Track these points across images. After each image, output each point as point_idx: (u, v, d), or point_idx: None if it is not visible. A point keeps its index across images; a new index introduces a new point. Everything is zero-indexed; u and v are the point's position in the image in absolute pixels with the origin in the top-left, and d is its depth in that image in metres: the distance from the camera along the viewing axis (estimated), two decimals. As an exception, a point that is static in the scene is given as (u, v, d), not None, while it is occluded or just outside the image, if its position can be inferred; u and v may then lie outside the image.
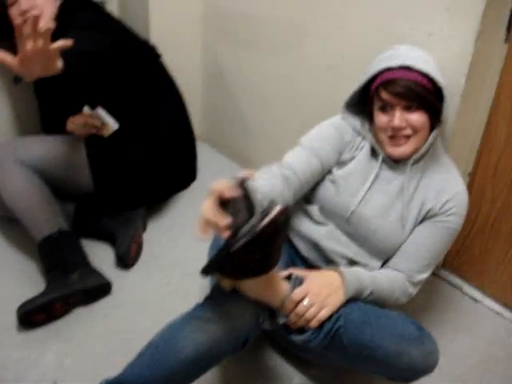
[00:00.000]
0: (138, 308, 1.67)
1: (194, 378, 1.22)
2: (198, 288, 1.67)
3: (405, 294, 1.40)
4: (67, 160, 1.80)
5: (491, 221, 1.69)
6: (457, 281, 1.80)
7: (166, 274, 1.81)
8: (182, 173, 2.12)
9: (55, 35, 1.60)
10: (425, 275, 1.41)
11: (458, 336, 1.63)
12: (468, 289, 1.79)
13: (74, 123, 1.85)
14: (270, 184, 1.29)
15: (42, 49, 1.22)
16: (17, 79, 2.00)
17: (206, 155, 2.41)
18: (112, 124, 1.84)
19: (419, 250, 1.39)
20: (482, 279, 1.78)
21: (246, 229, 1.03)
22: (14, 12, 1.80)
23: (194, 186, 2.16)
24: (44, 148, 1.80)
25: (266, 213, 1.04)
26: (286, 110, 2.05)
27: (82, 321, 1.62)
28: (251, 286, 1.23)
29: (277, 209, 1.03)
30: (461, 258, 1.79)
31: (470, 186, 1.68)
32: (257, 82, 2.16)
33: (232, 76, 2.29)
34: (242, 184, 1.06)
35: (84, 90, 1.85)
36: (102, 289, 1.71)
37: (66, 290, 1.62)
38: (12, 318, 1.57)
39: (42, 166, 1.76)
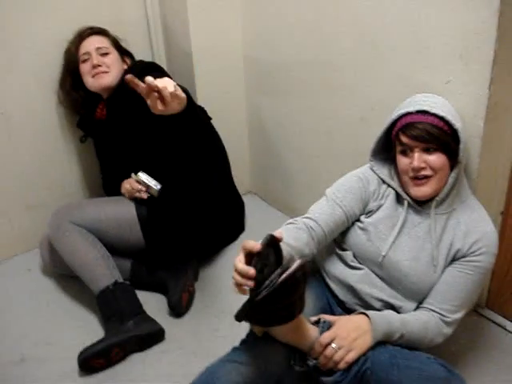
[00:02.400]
0: (189, 353, 1.77)
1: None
2: (245, 333, 1.76)
3: (440, 335, 1.43)
4: (119, 220, 1.96)
5: (528, 258, 1.69)
6: (500, 319, 1.79)
7: (215, 321, 1.90)
8: (231, 226, 2.24)
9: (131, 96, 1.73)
10: (459, 315, 1.44)
11: (501, 374, 1.62)
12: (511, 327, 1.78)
13: (124, 188, 2.05)
14: (296, 237, 1.38)
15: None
16: (83, 138, 2.22)
17: (254, 207, 2.53)
18: (153, 186, 1.98)
19: (451, 290, 1.42)
20: (525, 317, 1.77)
21: (267, 282, 1.13)
22: (85, 68, 2.03)
23: (243, 237, 2.28)
24: (97, 210, 1.97)
25: (285, 267, 1.14)
26: (325, 161, 2.14)
27: (138, 365, 1.74)
28: (280, 332, 1.31)
29: (295, 264, 1.13)
30: (502, 297, 1.79)
31: (504, 225, 1.69)
32: (297, 135, 2.27)
33: (274, 131, 2.41)
34: (271, 241, 1.16)
35: (140, 151, 2.02)
36: (155, 335, 1.81)
37: (123, 336, 1.74)
38: (73, 364, 1.69)
39: (95, 226, 1.93)
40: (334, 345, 1.31)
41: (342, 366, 1.31)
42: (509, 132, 1.56)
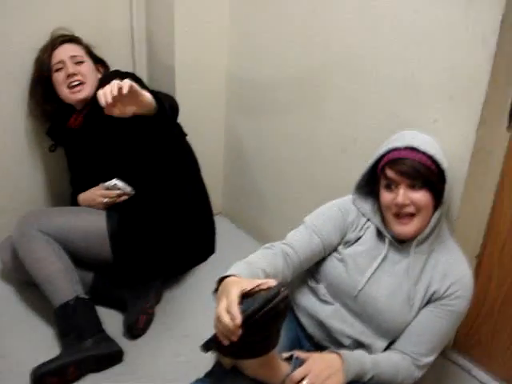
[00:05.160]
0: (148, 377, 1.72)
1: None
2: (208, 360, 1.70)
3: (410, 378, 1.42)
4: (88, 232, 1.90)
5: (498, 304, 1.70)
6: (466, 363, 1.79)
7: (177, 345, 1.85)
8: (201, 246, 2.19)
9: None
10: (431, 358, 1.42)
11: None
12: (476, 372, 1.77)
13: (88, 200, 2.00)
14: (272, 263, 1.35)
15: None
16: (52, 147, 2.15)
17: (225, 229, 2.49)
18: (129, 191, 1.96)
19: (425, 333, 1.41)
20: (490, 362, 1.77)
21: (247, 312, 1.07)
22: (59, 77, 1.95)
23: (212, 259, 2.22)
24: (66, 219, 1.91)
25: (267, 297, 1.08)
26: (301, 190, 2.13)
27: (93, 387, 1.67)
28: (251, 365, 1.26)
29: (278, 297, 1.07)
30: (470, 340, 1.79)
31: (478, 269, 1.70)
32: (274, 160, 2.25)
33: (251, 153, 2.39)
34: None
35: (113, 160, 1.97)
36: (114, 356, 1.76)
37: (80, 355, 1.68)
38: (26, 380, 1.62)
39: (62, 236, 1.86)
40: (305, 382, 1.27)
41: (312, 404, 1.27)
42: (490, 176, 1.57)
